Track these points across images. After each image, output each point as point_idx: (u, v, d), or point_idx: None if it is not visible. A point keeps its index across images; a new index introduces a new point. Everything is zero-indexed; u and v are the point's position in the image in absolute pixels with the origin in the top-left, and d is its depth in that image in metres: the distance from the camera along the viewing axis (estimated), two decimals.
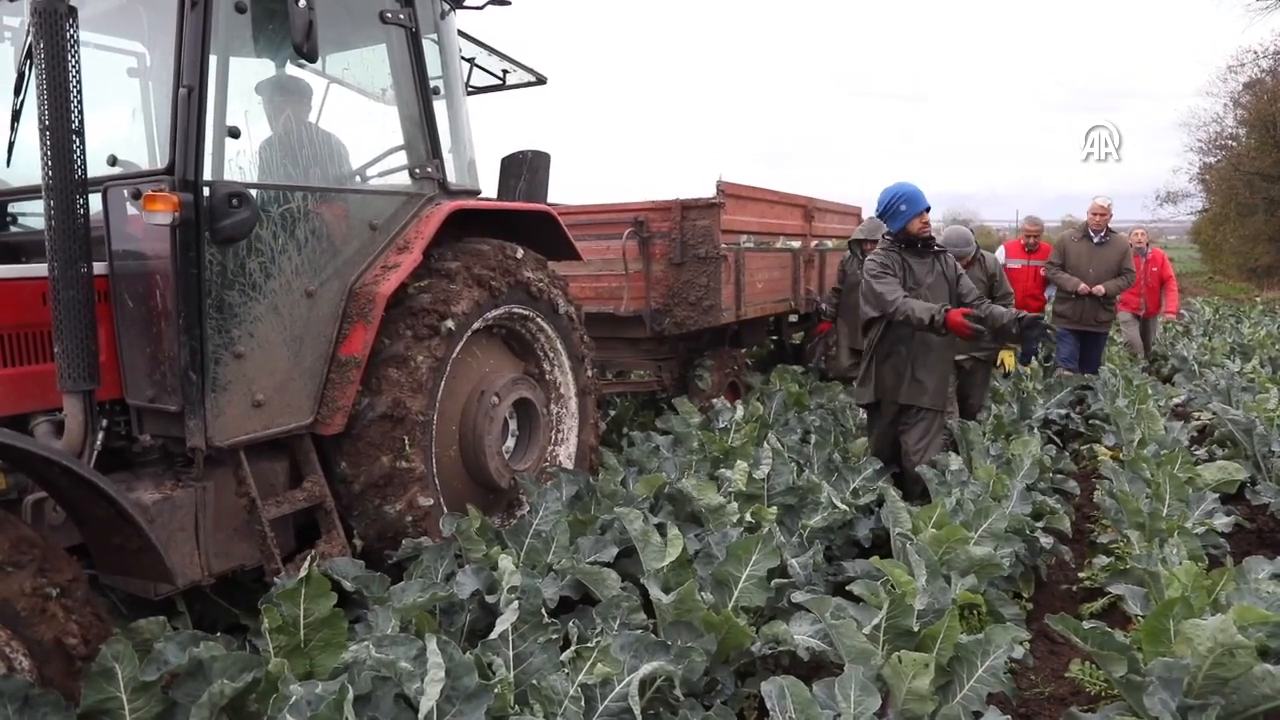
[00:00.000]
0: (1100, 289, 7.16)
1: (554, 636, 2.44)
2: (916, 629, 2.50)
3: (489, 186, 4.39)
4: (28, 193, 3.24)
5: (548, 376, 4.35)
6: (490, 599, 2.86)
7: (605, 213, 6.16)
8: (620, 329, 6.06)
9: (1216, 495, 3.95)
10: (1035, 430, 5.37)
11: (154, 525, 2.62)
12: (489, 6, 4.13)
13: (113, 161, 3.08)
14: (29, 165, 2.87)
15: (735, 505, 3.70)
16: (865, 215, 8.96)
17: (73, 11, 2.41)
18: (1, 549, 2.12)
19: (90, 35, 3.26)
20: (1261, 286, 24.36)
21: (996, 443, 4.87)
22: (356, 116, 3.85)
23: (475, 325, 3.70)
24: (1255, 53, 23.70)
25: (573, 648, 2.40)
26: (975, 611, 3.17)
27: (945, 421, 4.68)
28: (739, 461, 4.03)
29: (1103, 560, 3.79)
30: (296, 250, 3.12)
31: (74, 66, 2.43)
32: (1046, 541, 3.79)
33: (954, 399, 5.40)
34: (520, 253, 3.90)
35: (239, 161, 3.01)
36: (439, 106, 3.79)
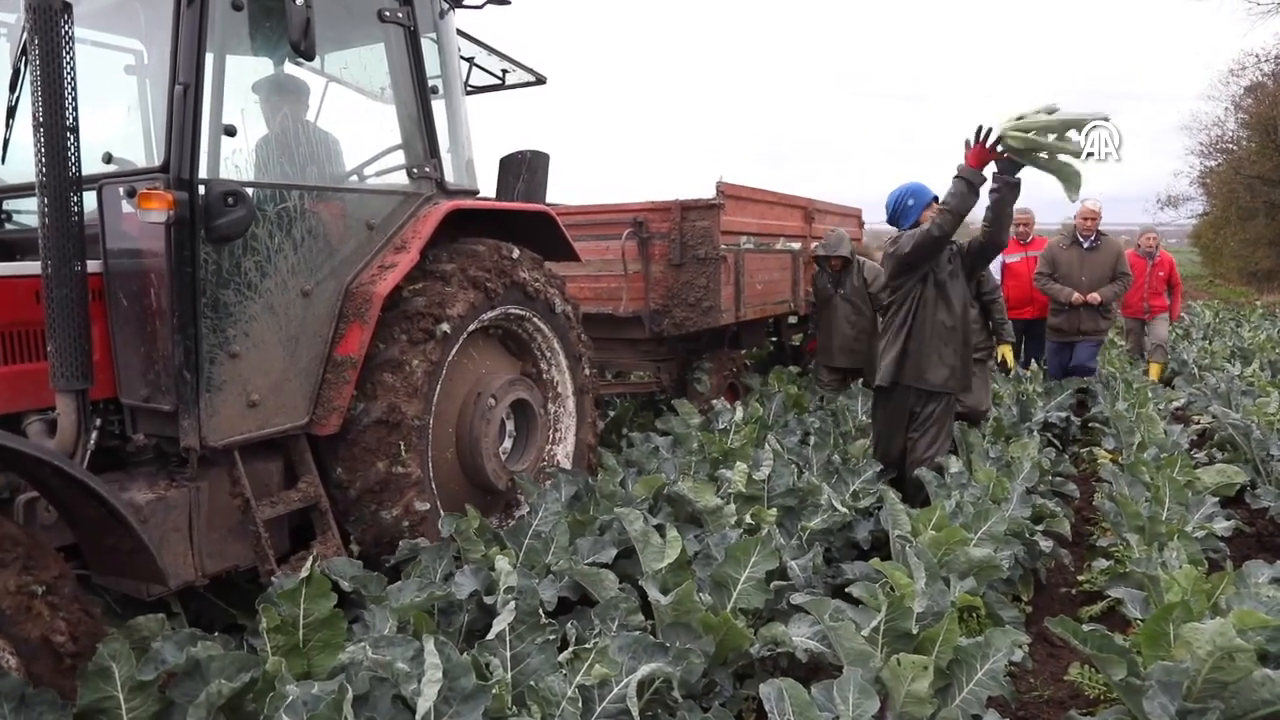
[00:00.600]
0: (1095, 297, 6.85)
1: (552, 637, 2.44)
2: (915, 631, 2.50)
3: (488, 186, 4.39)
4: (22, 190, 3.22)
5: (545, 376, 4.33)
6: (488, 599, 2.86)
7: (605, 213, 6.13)
8: (619, 330, 6.04)
9: (1216, 499, 3.95)
10: (1035, 433, 5.36)
11: (147, 526, 2.61)
12: (488, 6, 4.11)
13: (108, 159, 3.07)
14: (24, 162, 2.86)
15: (733, 507, 3.69)
16: (865, 217, 8.92)
17: (68, 8, 2.40)
18: None
19: (89, 32, 3.25)
20: (1262, 290, 24.38)
21: (996, 445, 4.86)
22: (355, 115, 3.84)
23: (471, 327, 3.68)
24: (1257, 56, 23.75)
25: (571, 649, 2.40)
26: (974, 614, 3.16)
27: (953, 428, 4.67)
28: (738, 463, 4.03)
29: (1102, 563, 3.78)
30: (293, 249, 3.10)
31: (69, 63, 2.41)
32: (1046, 544, 3.78)
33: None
34: (516, 253, 3.87)
35: (235, 160, 3.00)
36: (437, 106, 3.77)
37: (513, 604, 2.45)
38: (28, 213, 3.33)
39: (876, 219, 5.84)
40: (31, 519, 2.60)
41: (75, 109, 2.44)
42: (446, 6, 3.89)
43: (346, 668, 2.29)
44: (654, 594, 2.72)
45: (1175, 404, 7.04)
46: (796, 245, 7.39)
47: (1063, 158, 3.76)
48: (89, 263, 2.62)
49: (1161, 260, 8.44)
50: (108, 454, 2.91)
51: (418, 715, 2.00)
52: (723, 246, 5.80)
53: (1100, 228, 7.07)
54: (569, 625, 2.69)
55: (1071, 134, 3.76)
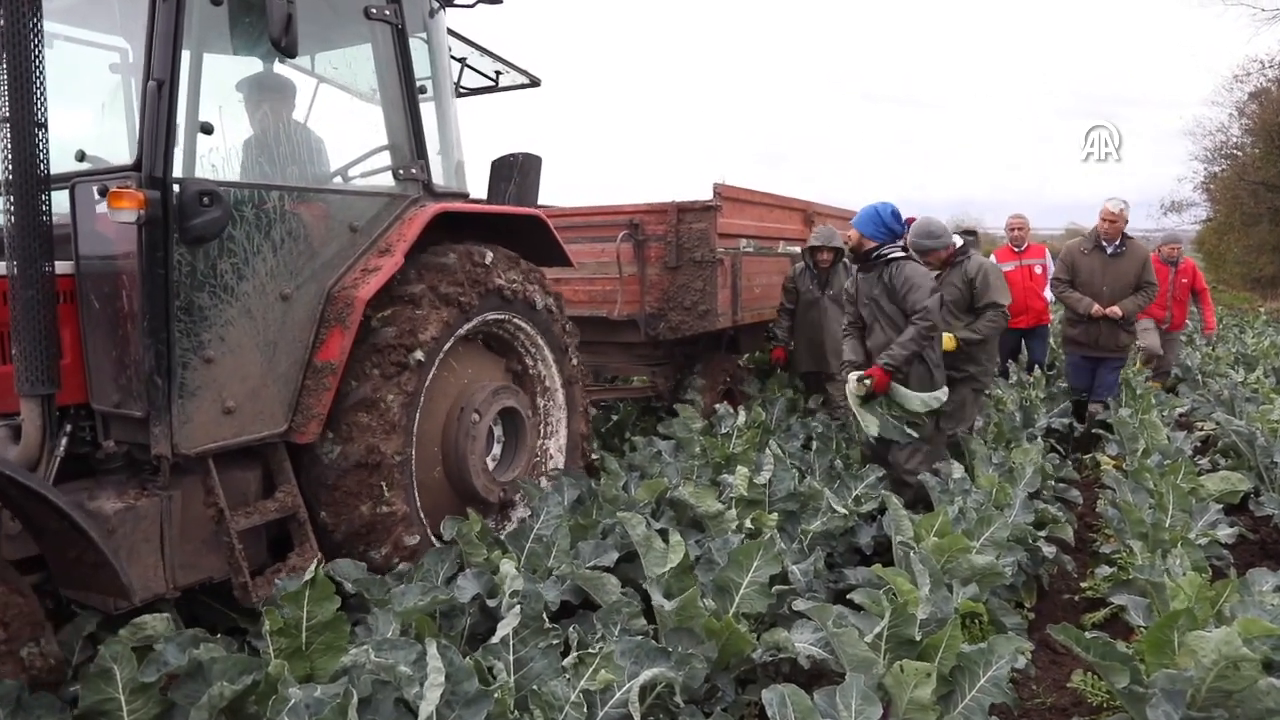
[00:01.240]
0: (1116, 310, 6.02)
1: (555, 642, 2.44)
2: (918, 638, 2.49)
3: (481, 190, 4.35)
4: None
5: (530, 371, 4.25)
6: (491, 603, 2.86)
7: (600, 215, 6.02)
8: (614, 334, 5.93)
9: (1220, 506, 3.94)
10: (1038, 439, 5.35)
11: (115, 536, 2.54)
12: (480, 5, 4.03)
13: (81, 157, 3.00)
14: None
15: (735, 512, 3.69)
16: None
17: (36, 1, 2.35)
18: None
19: (73, 30, 3.21)
20: (1266, 296, 24.33)
21: (998, 451, 4.85)
22: (344, 116, 3.77)
23: (448, 345, 3.55)
24: (1261, 62, 23.68)
25: (574, 653, 2.39)
26: (977, 620, 3.16)
27: (935, 438, 4.66)
28: (740, 467, 4.02)
29: (1105, 570, 3.77)
30: (272, 252, 3.01)
31: (37, 57, 2.36)
32: (1049, 551, 3.78)
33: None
34: (489, 257, 3.71)
35: (213, 159, 2.95)
36: (427, 108, 3.72)
37: (518, 608, 2.45)
38: None
39: None
40: None
41: (44, 104, 2.40)
42: (437, 6, 3.82)
43: (349, 670, 2.29)
44: (657, 599, 2.71)
45: (1179, 410, 7.01)
46: (796, 249, 7.23)
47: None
48: (62, 264, 2.57)
49: (1184, 268, 8.05)
50: (80, 461, 2.82)
51: (420, 719, 2.00)
52: (719, 249, 5.71)
53: (1128, 235, 6.24)
54: (571, 629, 2.69)
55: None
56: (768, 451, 4.33)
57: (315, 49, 3.65)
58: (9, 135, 2.37)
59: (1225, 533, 3.69)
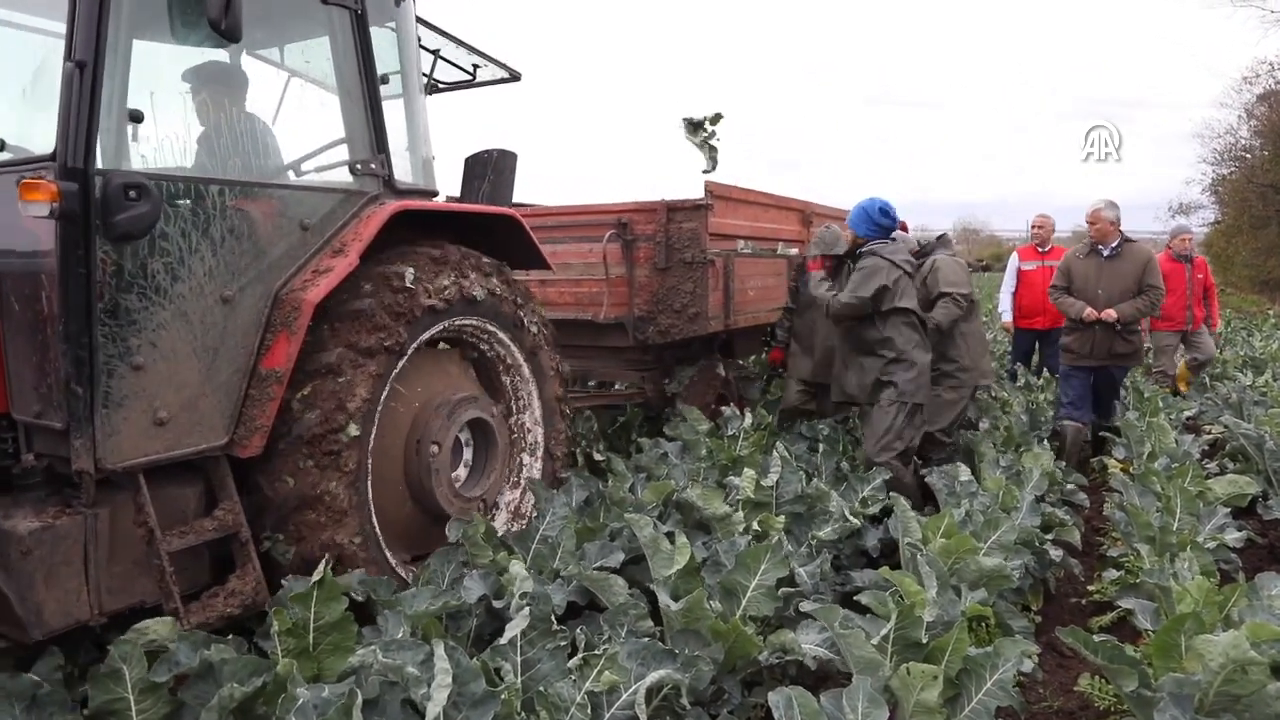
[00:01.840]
0: (1112, 313, 5.54)
1: (562, 643, 2.44)
2: (925, 640, 2.49)
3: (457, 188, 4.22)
4: None
5: (489, 355, 3.93)
6: (497, 604, 2.86)
7: (586, 214, 5.75)
8: (601, 337, 5.70)
9: (1228, 510, 3.92)
10: (1045, 442, 5.33)
11: (30, 558, 2.37)
12: None
13: (1, 146, 2.85)
14: None
15: (742, 514, 3.69)
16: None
17: None
18: None
19: (18, 15, 3.12)
20: (1274, 300, 24.21)
21: (1006, 454, 4.84)
22: (307, 109, 3.52)
23: (386, 390, 3.21)
24: (1270, 64, 23.58)
25: (580, 655, 2.40)
26: (984, 623, 3.15)
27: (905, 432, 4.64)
28: (747, 470, 4.02)
29: (1112, 574, 3.77)
30: (211, 250, 2.77)
31: None
32: (1056, 554, 3.77)
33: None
34: (409, 275, 3.27)
35: (144, 150, 2.75)
36: (396, 102, 3.53)
37: (527, 610, 2.45)
38: None
39: None
40: None
41: None
42: None
43: (356, 671, 2.30)
44: (664, 600, 2.72)
45: (1186, 414, 6.98)
46: (794, 250, 7.02)
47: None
48: None
49: (1199, 263, 7.69)
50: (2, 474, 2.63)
51: (427, 719, 2.01)
52: (711, 250, 5.46)
53: (1127, 237, 5.78)
54: (578, 631, 2.69)
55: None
56: (775, 454, 4.34)
57: (277, 40, 3.49)
58: None
59: (1233, 536, 3.67)
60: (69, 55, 2.44)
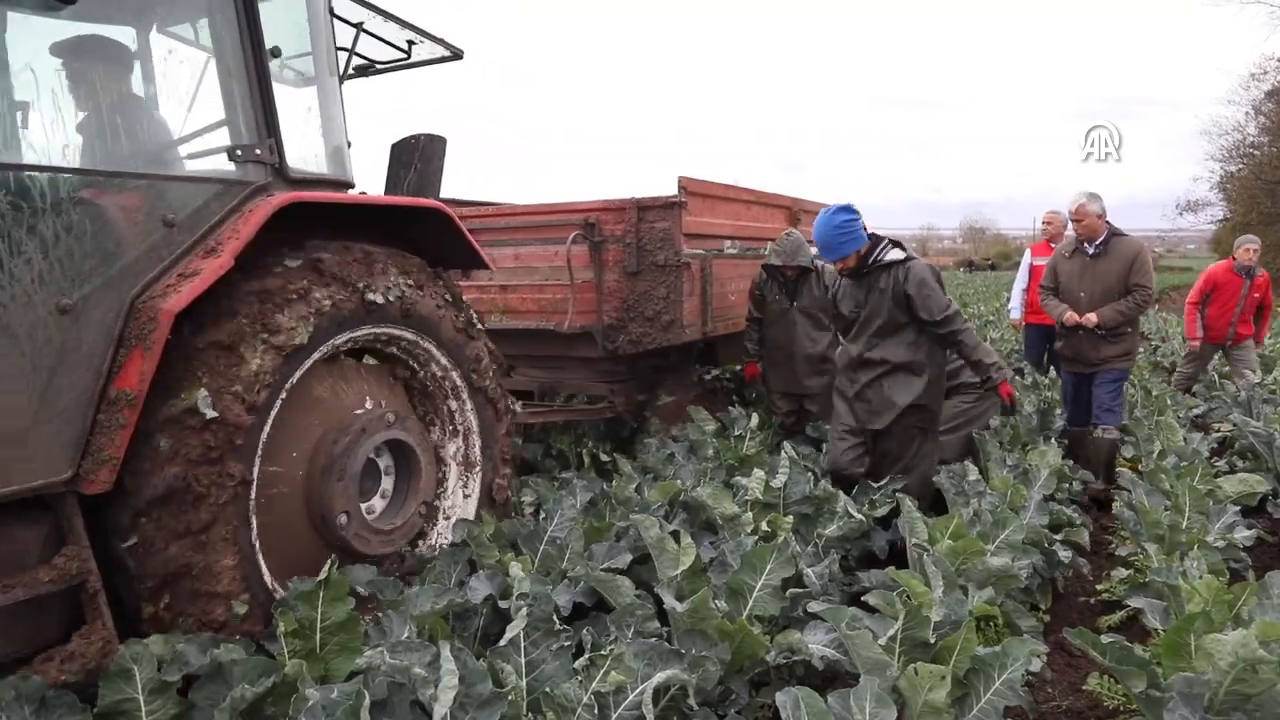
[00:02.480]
0: (1091, 318, 5.10)
1: (566, 644, 2.44)
2: (933, 640, 2.49)
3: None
4: None
5: (417, 370, 3.52)
6: (503, 604, 2.86)
7: (551, 214, 5.37)
8: (571, 347, 5.32)
9: (1237, 508, 3.91)
10: (1053, 441, 5.32)
11: None
12: None
13: None
14: None
15: (750, 515, 3.69)
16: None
17: None
18: None
19: None
20: None
21: (1014, 453, 4.83)
22: (182, 85, 3.01)
23: (265, 434, 2.77)
24: (1278, 60, 23.49)
25: (586, 655, 2.40)
26: (992, 623, 3.14)
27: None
28: (756, 470, 4.02)
29: (1121, 573, 3.76)
30: (40, 252, 2.34)
31: None
32: (1064, 553, 3.76)
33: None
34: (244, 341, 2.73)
35: None
36: (294, 86, 3.16)
37: (525, 610, 2.45)
38: None
39: (880, 223, 4.74)
40: None
41: None
42: None
43: (365, 673, 2.30)
44: (670, 601, 2.72)
45: (1195, 411, 6.96)
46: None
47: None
48: None
49: (1260, 281, 7.08)
50: None
51: None
52: (686, 251, 5.09)
53: (1117, 228, 5.25)
54: (584, 631, 2.69)
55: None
56: (783, 455, 4.34)
57: (151, 18, 3.03)
58: None
59: (1243, 535, 3.66)
60: None
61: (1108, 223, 5.21)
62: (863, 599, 2.92)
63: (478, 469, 3.68)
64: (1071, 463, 5.07)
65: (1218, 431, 6.43)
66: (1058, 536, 3.87)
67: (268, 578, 2.81)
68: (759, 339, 5.70)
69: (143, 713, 2.21)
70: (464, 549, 3.31)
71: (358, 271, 3.08)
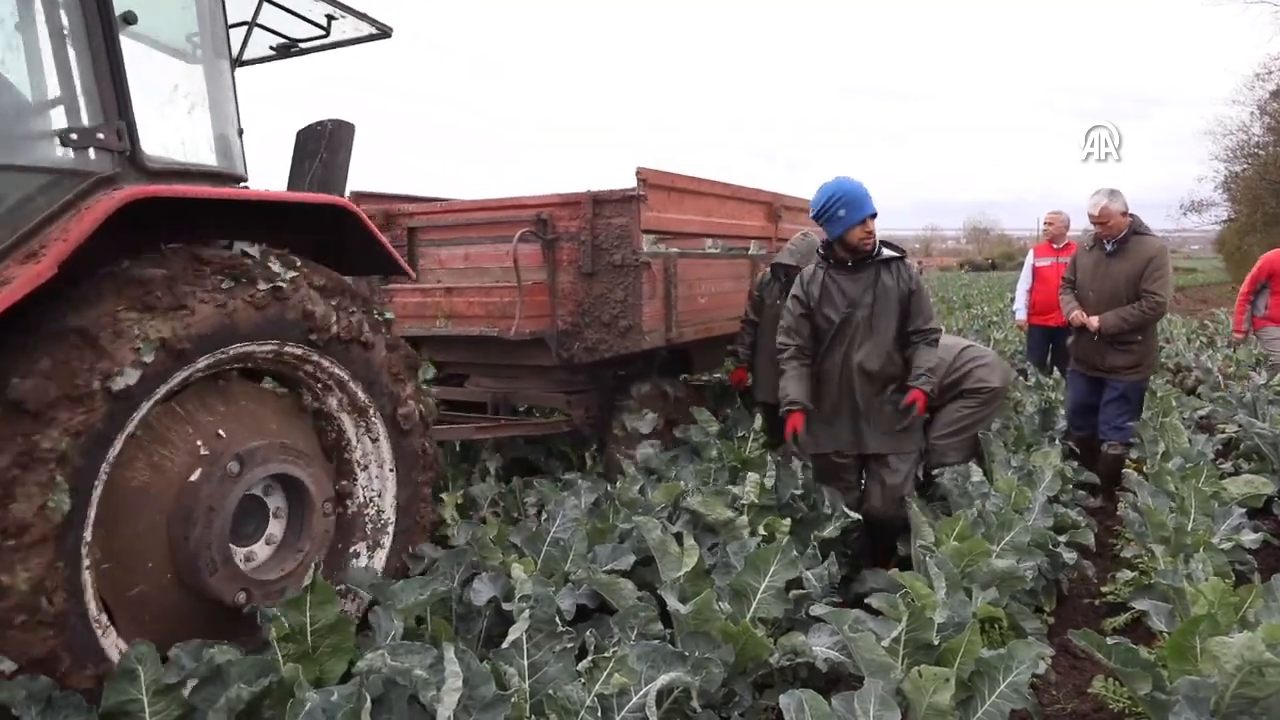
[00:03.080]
0: (1093, 321, 4.82)
1: (569, 646, 2.44)
2: (937, 642, 2.48)
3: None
4: None
5: (319, 391, 3.02)
6: (507, 606, 2.86)
7: (500, 209, 4.93)
8: (525, 355, 4.85)
9: (1243, 510, 3.90)
10: (1057, 442, 5.30)
11: None
12: None
13: None
14: None
15: (745, 518, 3.67)
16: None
17: None
18: None
19: None
20: None
21: (1018, 454, 4.82)
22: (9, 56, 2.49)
23: (111, 453, 2.30)
24: None
25: (589, 657, 2.40)
26: (996, 625, 3.14)
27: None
28: (750, 474, 3.99)
29: (1126, 575, 3.74)
30: None
31: None
32: (1069, 555, 3.74)
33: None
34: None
35: None
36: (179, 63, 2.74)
37: (527, 612, 2.45)
38: None
39: (882, 223, 4.11)
40: None
41: None
42: None
43: (365, 675, 2.30)
44: (673, 603, 2.71)
45: (1200, 413, 6.93)
46: (762, 249, 6.17)
47: None
48: None
49: None
50: None
51: None
52: (645, 250, 4.65)
53: (1142, 225, 4.91)
54: (588, 634, 2.69)
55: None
56: (768, 457, 4.31)
57: None
58: None
59: (1249, 537, 3.64)
60: None
61: (1132, 217, 4.87)
62: (866, 601, 2.92)
63: (390, 510, 3.21)
64: (1075, 464, 5.06)
65: (1223, 433, 6.41)
66: (1062, 538, 3.86)
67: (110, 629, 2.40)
68: (752, 344, 5.28)
69: (146, 713, 2.21)
70: (467, 551, 3.30)
71: (188, 284, 2.46)
